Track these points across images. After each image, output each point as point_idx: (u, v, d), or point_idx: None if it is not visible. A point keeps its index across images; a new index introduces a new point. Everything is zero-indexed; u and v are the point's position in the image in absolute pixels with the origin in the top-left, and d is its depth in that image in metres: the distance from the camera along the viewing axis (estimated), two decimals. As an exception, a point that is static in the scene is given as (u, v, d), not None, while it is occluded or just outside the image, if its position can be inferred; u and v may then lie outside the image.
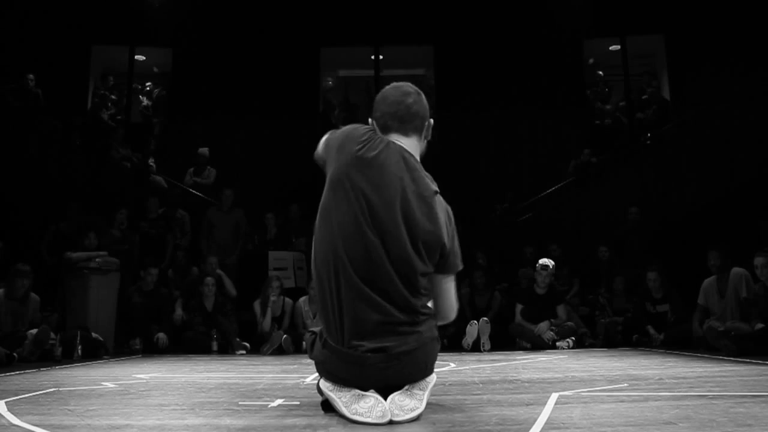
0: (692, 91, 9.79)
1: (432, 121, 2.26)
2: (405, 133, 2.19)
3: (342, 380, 2.03)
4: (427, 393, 2.05)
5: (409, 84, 2.27)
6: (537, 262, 6.98)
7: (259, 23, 10.61)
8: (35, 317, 5.72)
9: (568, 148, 10.23)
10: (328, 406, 2.10)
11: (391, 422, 1.90)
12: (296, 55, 10.70)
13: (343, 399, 1.98)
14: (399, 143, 2.17)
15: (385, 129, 2.19)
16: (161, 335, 6.70)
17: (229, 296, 7.26)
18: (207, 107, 10.44)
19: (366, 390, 2.00)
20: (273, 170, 10.05)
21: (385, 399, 1.97)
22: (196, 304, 6.99)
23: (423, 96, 2.24)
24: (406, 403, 1.96)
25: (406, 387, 2.04)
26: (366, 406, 1.93)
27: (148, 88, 11.64)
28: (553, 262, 6.94)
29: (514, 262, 8.22)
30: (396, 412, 1.93)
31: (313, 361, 2.16)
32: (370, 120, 2.24)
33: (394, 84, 2.26)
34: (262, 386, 3.15)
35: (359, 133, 2.14)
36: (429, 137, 2.27)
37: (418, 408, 1.97)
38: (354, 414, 1.92)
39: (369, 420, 1.88)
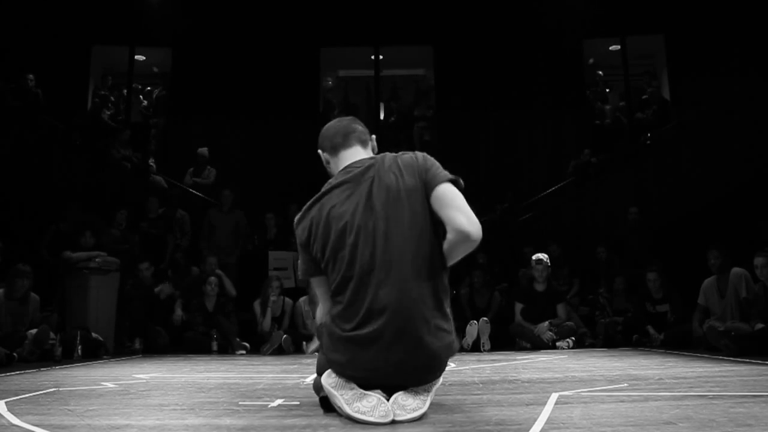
0: (692, 91, 9.78)
1: (374, 137, 2.38)
2: (349, 146, 2.29)
3: (348, 375, 2.01)
4: (431, 394, 2.05)
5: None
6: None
7: (259, 23, 10.61)
8: (35, 317, 5.72)
9: (568, 148, 10.24)
10: (327, 405, 2.10)
11: (393, 422, 1.90)
12: (296, 55, 10.70)
13: (345, 396, 1.97)
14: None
15: (334, 150, 2.29)
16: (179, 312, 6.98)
17: (228, 296, 7.27)
18: (207, 107, 10.44)
19: (370, 388, 1.99)
20: (273, 170, 10.05)
21: (388, 399, 1.97)
22: (197, 304, 7.00)
23: (358, 120, 2.38)
24: (408, 403, 1.96)
25: (409, 387, 2.03)
26: (369, 405, 1.92)
27: (149, 89, 11.65)
28: (546, 255, 6.95)
29: (514, 262, 8.22)
30: (398, 412, 1.92)
31: (312, 361, 2.16)
32: (323, 156, 2.34)
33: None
34: (262, 386, 3.15)
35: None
36: (376, 149, 2.36)
37: (420, 408, 1.96)
38: (356, 412, 1.91)
39: (371, 419, 1.88)
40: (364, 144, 2.30)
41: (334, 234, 2.08)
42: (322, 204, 2.16)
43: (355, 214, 2.08)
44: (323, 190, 2.21)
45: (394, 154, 2.22)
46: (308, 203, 2.21)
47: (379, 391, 1.98)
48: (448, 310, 2.09)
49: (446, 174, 2.12)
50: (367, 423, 1.88)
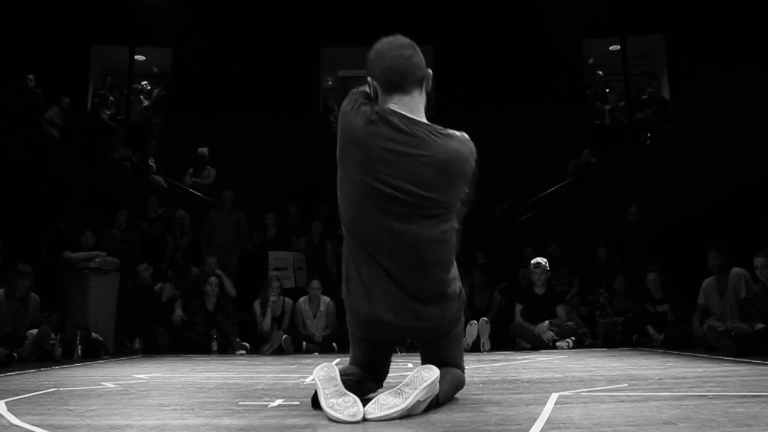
0: (692, 91, 9.79)
1: (430, 71, 2.23)
2: (407, 90, 2.19)
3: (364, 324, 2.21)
4: (418, 392, 2.01)
5: (401, 36, 2.24)
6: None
7: (259, 23, 10.62)
8: (35, 317, 5.72)
9: (568, 148, 10.24)
10: (316, 402, 2.14)
11: (364, 419, 1.91)
12: (296, 55, 10.70)
13: (326, 391, 2.03)
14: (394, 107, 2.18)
15: (388, 87, 2.19)
16: (179, 312, 6.95)
17: (228, 296, 7.27)
18: (207, 107, 10.45)
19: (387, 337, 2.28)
20: (273, 170, 10.05)
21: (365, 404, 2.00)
22: (197, 304, 7.00)
23: (416, 47, 2.22)
24: (387, 401, 1.97)
25: (399, 385, 2.04)
26: (344, 404, 1.96)
27: (149, 87, 11.65)
28: (545, 260, 6.96)
29: (514, 262, 8.22)
30: (370, 410, 1.94)
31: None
32: (368, 79, 2.25)
33: (387, 39, 2.23)
34: (262, 386, 3.15)
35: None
36: (429, 88, 2.26)
37: (398, 405, 1.95)
38: (329, 407, 1.96)
39: (339, 416, 1.91)
40: (420, 86, 2.22)
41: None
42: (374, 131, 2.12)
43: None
44: (373, 113, 2.14)
45: (457, 148, 2.21)
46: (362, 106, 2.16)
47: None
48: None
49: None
50: (335, 419, 1.91)
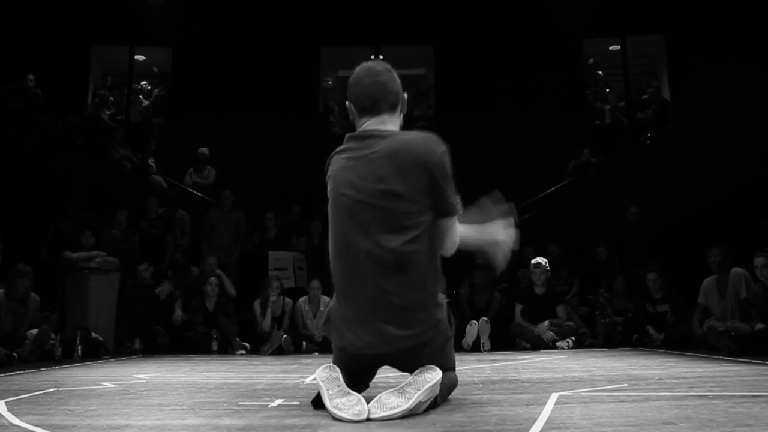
0: (692, 91, 9.79)
1: (406, 95, 2.39)
2: (377, 113, 2.29)
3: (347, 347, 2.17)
4: (421, 392, 2.03)
5: (379, 62, 2.39)
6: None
7: (259, 23, 10.62)
8: (35, 317, 5.72)
9: (568, 148, 10.24)
10: (318, 403, 2.15)
11: (368, 419, 1.92)
12: (296, 55, 10.70)
13: (330, 391, 2.05)
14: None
15: (360, 111, 2.32)
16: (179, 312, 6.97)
17: (228, 296, 7.27)
18: (207, 107, 10.45)
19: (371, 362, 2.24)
20: (273, 170, 10.05)
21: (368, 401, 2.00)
22: (197, 304, 7.00)
23: (394, 72, 2.35)
24: (390, 401, 1.98)
25: (401, 384, 2.04)
26: (348, 403, 1.98)
27: (149, 87, 11.65)
28: (545, 260, 6.96)
29: (514, 262, 8.22)
30: (374, 409, 1.95)
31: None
32: (347, 103, 2.38)
33: (366, 65, 2.36)
34: (262, 386, 3.15)
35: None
36: (405, 110, 2.41)
37: (401, 405, 1.97)
38: (334, 407, 1.98)
39: (345, 415, 1.93)
40: (391, 110, 2.32)
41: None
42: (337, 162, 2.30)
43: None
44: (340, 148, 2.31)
45: (410, 138, 2.23)
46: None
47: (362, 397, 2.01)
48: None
49: (457, 205, 2.25)
50: (340, 418, 1.94)
